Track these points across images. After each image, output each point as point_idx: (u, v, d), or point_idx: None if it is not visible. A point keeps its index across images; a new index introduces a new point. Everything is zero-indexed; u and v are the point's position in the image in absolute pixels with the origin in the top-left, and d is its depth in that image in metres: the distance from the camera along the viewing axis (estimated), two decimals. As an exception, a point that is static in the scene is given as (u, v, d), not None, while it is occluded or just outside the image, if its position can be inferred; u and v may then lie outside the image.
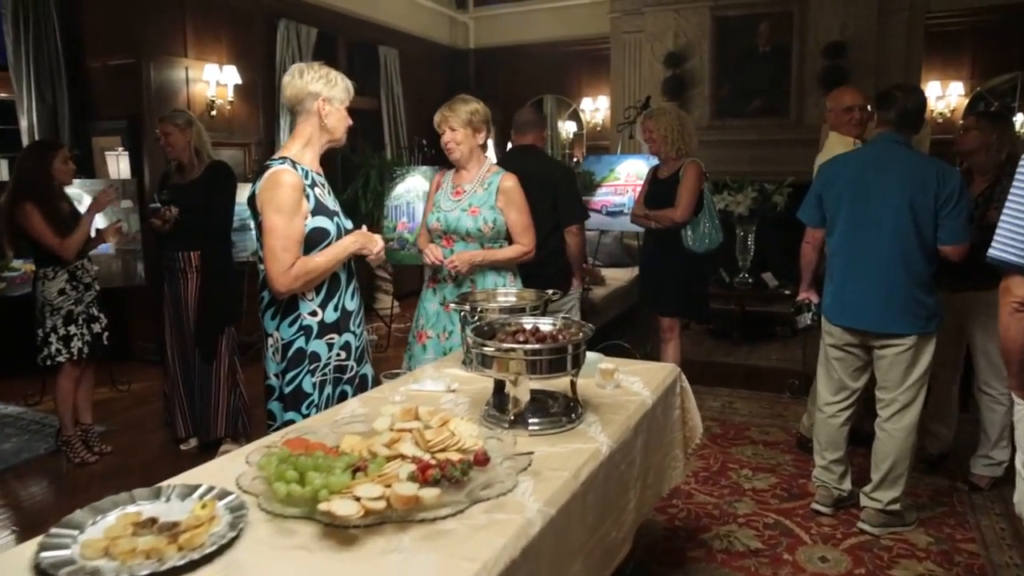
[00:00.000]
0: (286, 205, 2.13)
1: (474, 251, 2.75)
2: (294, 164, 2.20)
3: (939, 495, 3.12)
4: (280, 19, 6.07)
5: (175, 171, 3.76)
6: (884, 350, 2.67)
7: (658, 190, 3.82)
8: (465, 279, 2.77)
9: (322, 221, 2.21)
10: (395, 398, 1.98)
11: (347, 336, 2.31)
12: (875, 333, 2.67)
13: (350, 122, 2.35)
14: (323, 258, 2.19)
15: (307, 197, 2.19)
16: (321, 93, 2.23)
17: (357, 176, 6.44)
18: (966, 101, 6.90)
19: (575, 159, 8.47)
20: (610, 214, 5.01)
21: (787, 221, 5.24)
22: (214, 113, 5.55)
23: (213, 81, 5.48)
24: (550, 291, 2.31)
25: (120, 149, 5.31)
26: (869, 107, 3.32)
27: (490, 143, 6.10)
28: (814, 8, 6.73)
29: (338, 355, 2.29)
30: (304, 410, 2.24)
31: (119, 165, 5.33)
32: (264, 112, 6.08)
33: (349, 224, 2.35)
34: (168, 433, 3.86)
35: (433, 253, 2.73)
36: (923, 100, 2.73)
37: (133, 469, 3.58)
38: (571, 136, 8.74)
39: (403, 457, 1.40)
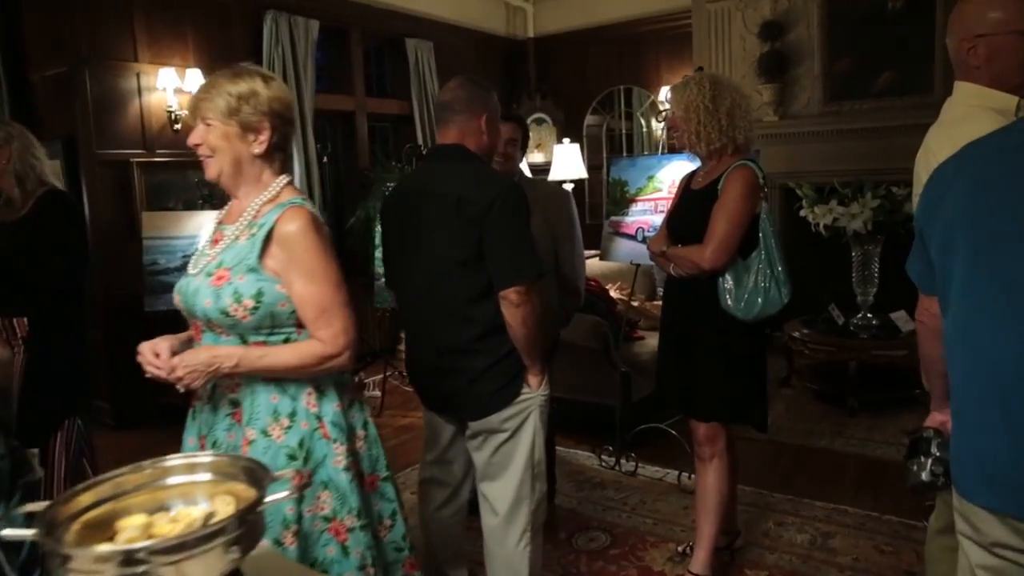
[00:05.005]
0: None
1: (224, 349, 1.44)
2: None
3: None
4: (267, 11, 5.06)
5: (2, 205, 2.76)
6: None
7: (686, 210, 2.36)
8: (222, 399, 1.49)
9: None
10: None
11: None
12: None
13: None
14: None
15: None
16: None
17: (370, 195, 5.38)
18: None
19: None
20: (647, 240, 3.52)
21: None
22: (178, 127, 4.60)
23: (171, 88, 4.53)
24: (280, 471, 0.99)
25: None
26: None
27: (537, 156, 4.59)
28: (967, -58, 4.91)
29: None
30: None
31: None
32: (250, 123, 5.09)
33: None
34: None
35: (147, 353, 1.42)
36: None
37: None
38: (664, 135, 7.19)
39: None
